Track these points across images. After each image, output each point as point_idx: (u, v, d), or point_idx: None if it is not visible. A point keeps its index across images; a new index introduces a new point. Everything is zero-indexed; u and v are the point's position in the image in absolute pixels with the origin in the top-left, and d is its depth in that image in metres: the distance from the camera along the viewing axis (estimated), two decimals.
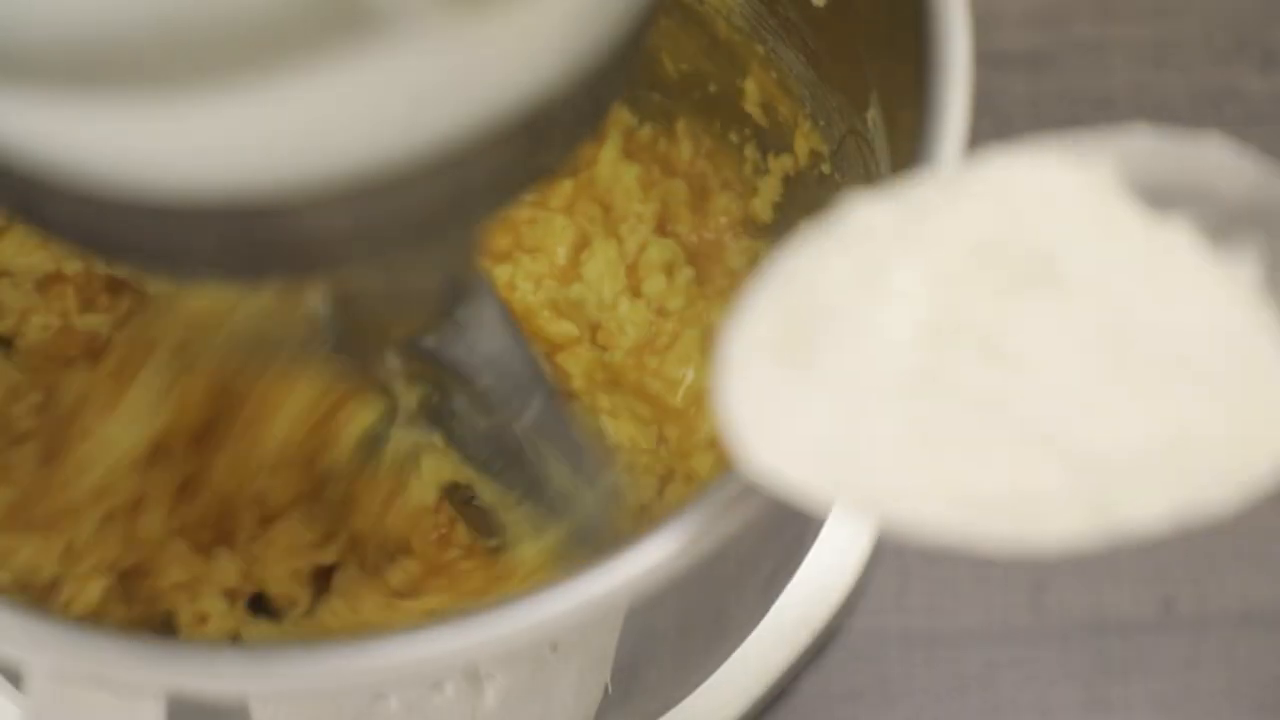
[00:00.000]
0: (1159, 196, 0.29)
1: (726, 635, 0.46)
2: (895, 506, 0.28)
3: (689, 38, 0.49)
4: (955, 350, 0.28)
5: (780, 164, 0.48)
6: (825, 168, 0.46)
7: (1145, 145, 0.30)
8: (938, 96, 0.36)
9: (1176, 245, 0.29)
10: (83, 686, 0.31)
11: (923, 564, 0.52)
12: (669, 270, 0.50)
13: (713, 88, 0.49)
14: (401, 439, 0.45)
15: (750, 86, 0.48)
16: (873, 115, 0.40)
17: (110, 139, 0.27)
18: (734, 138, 0.50)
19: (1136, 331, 0.28)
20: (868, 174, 0.41)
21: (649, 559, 0.32)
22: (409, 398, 0.43)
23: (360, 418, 0.45)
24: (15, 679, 0.41)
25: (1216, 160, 0.30)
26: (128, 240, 0.29)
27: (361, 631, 0.32)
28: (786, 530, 0.44)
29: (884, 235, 0.29)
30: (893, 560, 0.52)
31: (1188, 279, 0.29)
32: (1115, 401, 0.27)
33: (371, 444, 0.46)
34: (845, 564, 0.50)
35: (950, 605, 0.52)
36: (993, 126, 0.55)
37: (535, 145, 0.30)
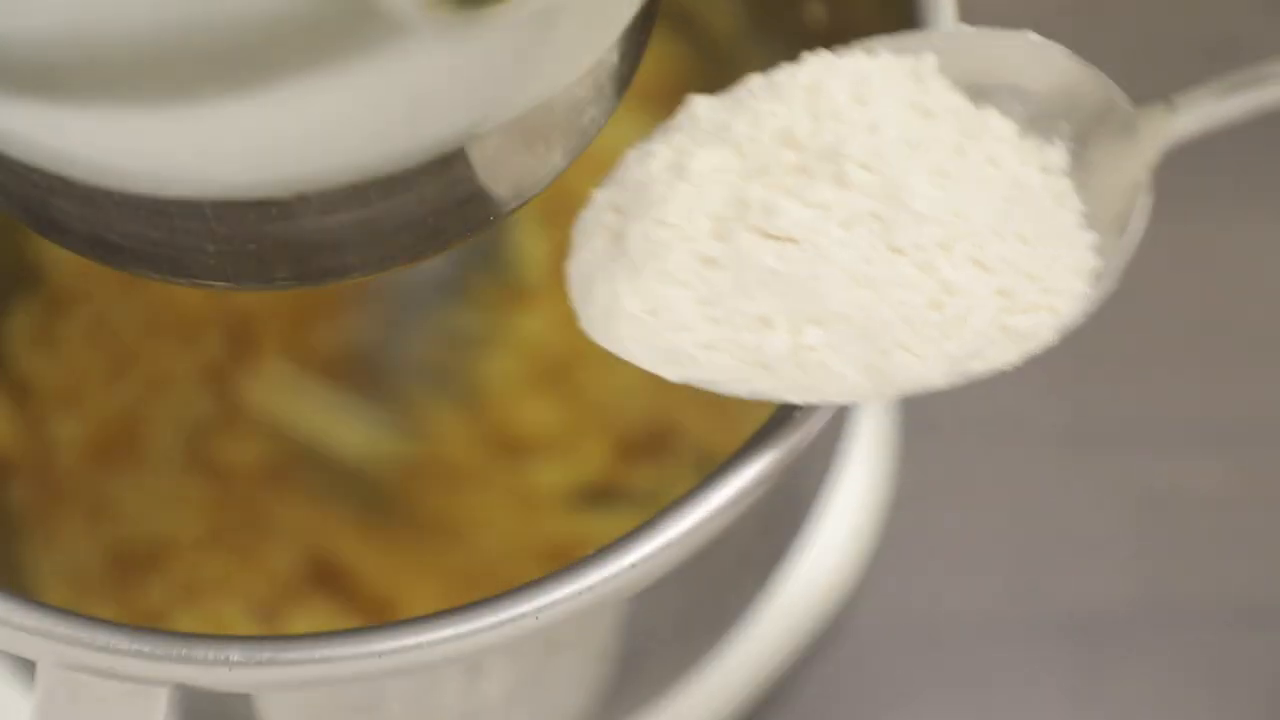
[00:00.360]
0: (978, 87, 0.33)
1: (726, 628, 0.46)
2: (698, 368, 0.32)
3: (684, 44, 0.49)
4: (742, 228, 0.31)
5: None
6: None
7: (965, 39, 0.33)
8: None
9: (989, 129, 0.33)
10: (91, 675, 0.32)
11: (920, 563, 0.52)
12: None
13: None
14: None
15: None
16: None
17: (120, 139, 0.27)
18: None
19: (915, 212, 0.31)
20: None
21: (647, 549, 0.32)
22: None
23: None
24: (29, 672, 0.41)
25: (1029, 51, 0.33)
26: (134, 243, 0.29)
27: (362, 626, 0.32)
28: (783, 523, 0.45)
29: (703, 125, 0.32)
30: (891, 559, 0.52)
31: (997, 158, 0.32)
32: (889, 272, 0.31)
33: None
34: (843, 563, 0.50)
35: (947, 604, 0.52)
36: None
37: (538, 148, 0.30)
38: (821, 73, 0.33)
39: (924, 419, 0.53)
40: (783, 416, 0.33)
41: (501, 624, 0.32)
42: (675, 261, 0.32)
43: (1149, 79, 0.58)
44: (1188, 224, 0.56)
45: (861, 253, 0.31)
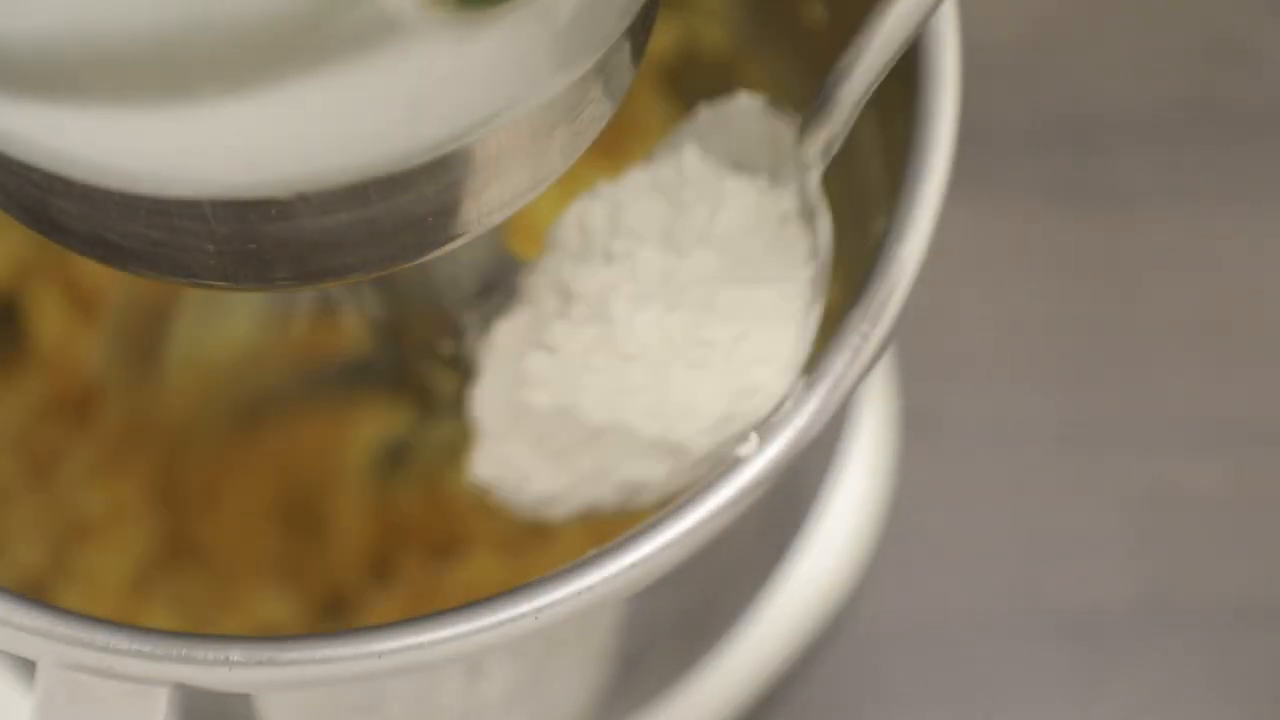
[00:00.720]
0: (735, 157, 0.35)
1: (726, 628, 0.46)
2: (563, 500, 0.35)
3: (681, 47, 0.49)
4: (521, 384, 0.34)
5: None
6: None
7: (708, 119, 0.35)
8: (927, 109, 0.36)
9: (730, 198, 0.34)
10: (91, 675, 0.32)
11: (920, 563, 0.52)
12: None
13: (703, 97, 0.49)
14: (438, 434, 0.47)
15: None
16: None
17: (120, 139, 0.27)
18: None
19: (628, 326, 0.34)
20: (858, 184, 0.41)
21: (647, 549, 0.32)
22: (446, 385, 0.44)
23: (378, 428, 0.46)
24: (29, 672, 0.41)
25: (741, 111, 0.35)
26: (134, 243, 0.29)
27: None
28: (783, 523, 0.45)
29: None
30: (891, 559, 0.52)
31: (744, 222, 0.34)
32: (626, 381, 0.34)
33: (396, 454, 0.47)
34: (843, 563, 0.51)
35: (947, 604, 0.52)
36: (983, 133, 0.55)
37: (539, 149, 0.30)
38: (585, 205, 0.35)
39: (924, 419, 0.53)
40: (781, 417, 0.33)
41: (501, 624, 0.32)
42: (491, 424, 0.35)
43: (1149, 79, 0.58)
44: (1188, 224, 0.57)
45: (603, 372, 0.34)
